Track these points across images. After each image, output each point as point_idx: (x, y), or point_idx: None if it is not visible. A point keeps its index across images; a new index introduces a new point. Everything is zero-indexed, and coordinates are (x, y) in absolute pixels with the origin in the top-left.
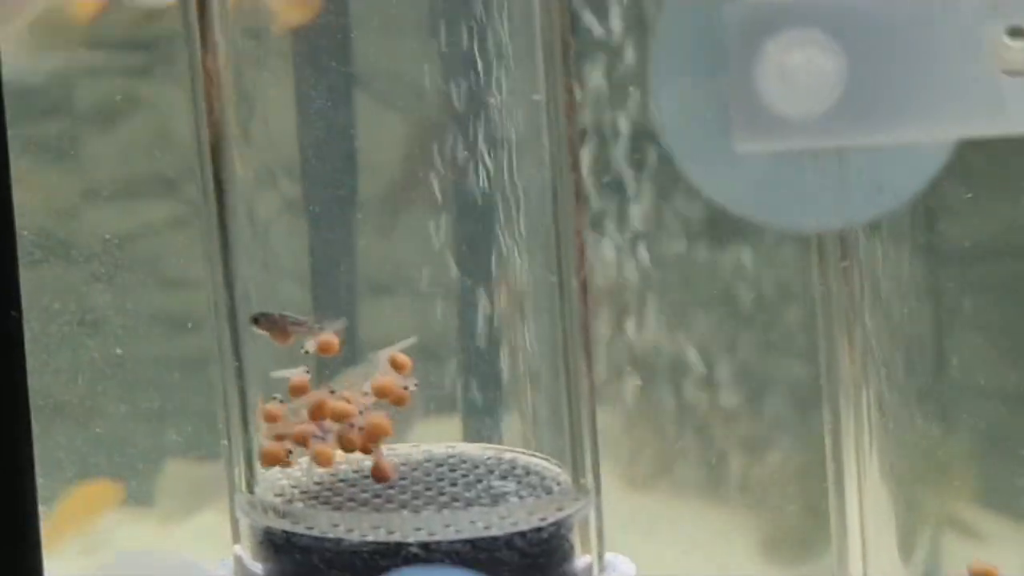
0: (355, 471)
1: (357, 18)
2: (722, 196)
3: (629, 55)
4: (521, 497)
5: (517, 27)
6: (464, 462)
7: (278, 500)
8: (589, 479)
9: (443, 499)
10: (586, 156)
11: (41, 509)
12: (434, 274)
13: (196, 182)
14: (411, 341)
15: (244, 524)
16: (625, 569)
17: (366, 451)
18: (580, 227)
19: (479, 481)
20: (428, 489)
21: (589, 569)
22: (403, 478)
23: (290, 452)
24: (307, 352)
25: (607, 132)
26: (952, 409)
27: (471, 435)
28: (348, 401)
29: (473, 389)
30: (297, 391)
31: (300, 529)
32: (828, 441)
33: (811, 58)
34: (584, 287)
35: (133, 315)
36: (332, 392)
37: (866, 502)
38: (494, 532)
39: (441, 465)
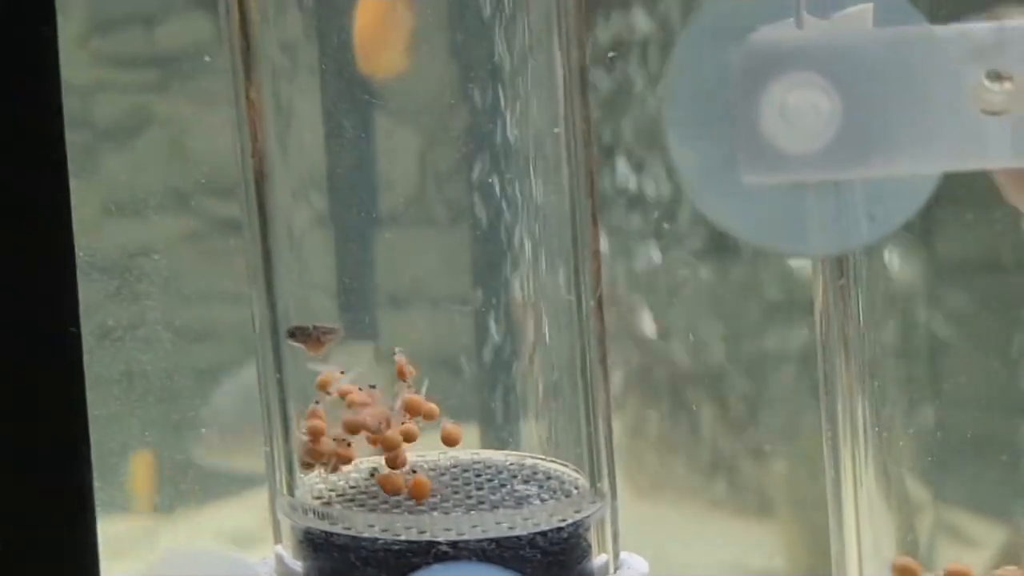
0: None
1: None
2: (731, 225)
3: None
4: (542, 500)
5: (539, 63)
6: (489, 468)
7: (317, 503)
8: (605, 484)
9: (470, 502)
10: None
11: None
12: (457, 289)
13: (240, 202)
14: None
15: (285, 525)
16: (639, 567)
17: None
18: (596, 248)
19: (503, 485)
20: (456, 492)
21: (606, 567)
22: (437, 485)
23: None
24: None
25: None
26: (946, 418)
27: (492, 443)
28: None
29: (496, 400)
30: (323, 386)
31: (338, 529)
32: (826, 450)
33: (809, 99)
34: (600, 304)
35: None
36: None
37: (862, 509)
38: (518, 532)
39: (467, 471)
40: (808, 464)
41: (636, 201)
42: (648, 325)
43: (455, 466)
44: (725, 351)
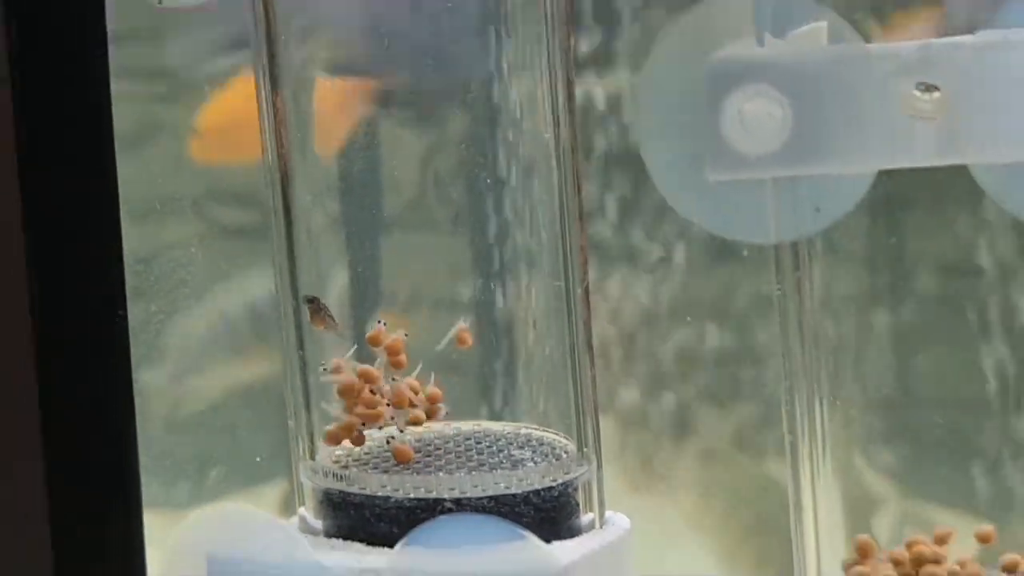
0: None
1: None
2: (698, 217)
3: None
4: (535, 463)
5: (529, 76)
6: (488, 436)
7: (336, 466)
8: (591, 450)
9: (471, 464)
10: None
11: None
12: (456, 286)
13: (267, 201)
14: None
15: (307, 487)
16: (622, 524)
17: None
18: (583, 243)
19: (501, 451)
20: (459, 457)
21: (592, 523)
22: (438, 448)
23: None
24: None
25: None
26: (907, 416)
27: (492, 417)
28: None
29: (496, 377)
30: (374, 341)
31: (355, 489)
32: (787, 443)
33: (765, 107)
34: (587, 292)
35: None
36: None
37: (820, 505)
38: (513, 491)
39: (469, 439)
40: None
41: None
42: None
43: (458, 435)
44: None
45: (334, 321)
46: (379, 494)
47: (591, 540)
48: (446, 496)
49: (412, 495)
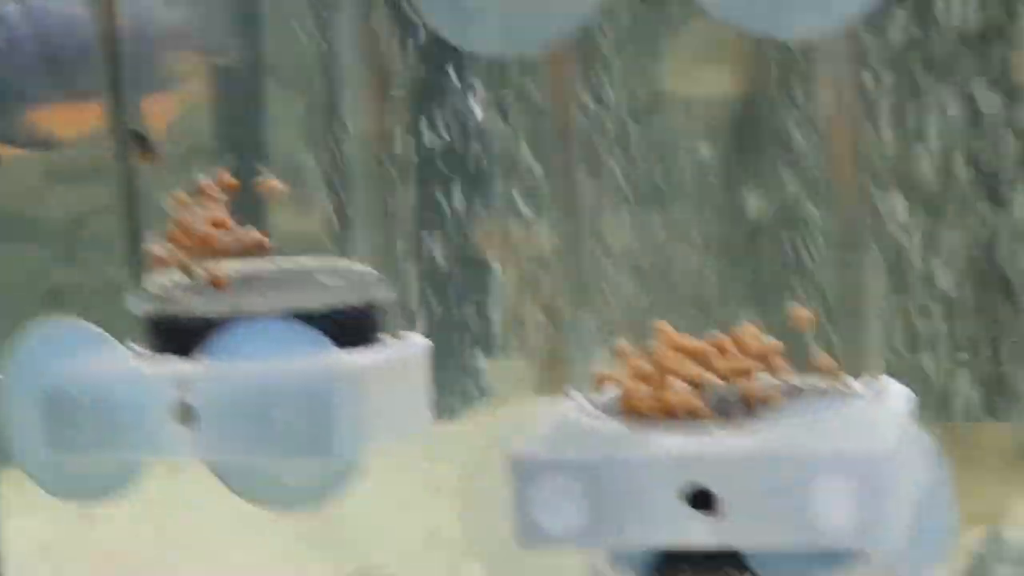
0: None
1: None
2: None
3: None
4: (338, 287)
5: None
6: (304, 269)
7: (161, 292)
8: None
9: (282, 287)
10: None
11: None
12: None
13: None
14: None
15: (138, 313)
16: (418, 341)
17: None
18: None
19: (311, 279)
20: (273, 284)
21: (388, 341)
22: (257, 279)
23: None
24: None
25: None
26: None
27: None
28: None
29: None
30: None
31: (172, 310)
32: None
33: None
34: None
35: None
36: None
37: None
38: (315, 306)
39: (286, 272)
40: None
41: None
42: None
43: (280, 270)
44: None
45: (156, 157)
46: (195, 314)
47: (386, 350)
48: (255, 311)
49: (219, 314)
